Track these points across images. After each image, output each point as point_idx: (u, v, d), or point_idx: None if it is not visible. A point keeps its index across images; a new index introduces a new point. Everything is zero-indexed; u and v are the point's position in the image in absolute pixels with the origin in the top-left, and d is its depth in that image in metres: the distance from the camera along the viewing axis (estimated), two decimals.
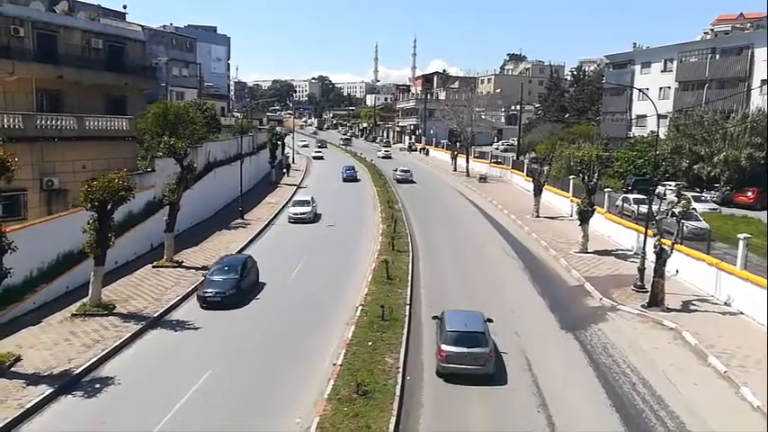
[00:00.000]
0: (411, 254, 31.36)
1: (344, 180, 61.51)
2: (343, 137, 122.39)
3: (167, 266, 28.42)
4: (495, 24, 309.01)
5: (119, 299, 23.50)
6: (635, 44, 74.47)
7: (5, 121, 26.78)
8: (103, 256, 22.07)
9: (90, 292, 22.07)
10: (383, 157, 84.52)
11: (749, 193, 42.27)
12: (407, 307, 23.00)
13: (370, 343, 19.18)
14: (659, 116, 45.89)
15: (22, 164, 20.09)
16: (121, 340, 19.65)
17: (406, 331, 20.47)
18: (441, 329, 18.40)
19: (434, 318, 19.89)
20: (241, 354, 19.24)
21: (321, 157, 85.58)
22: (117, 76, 40.29)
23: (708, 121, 47.78)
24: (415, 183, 60.85)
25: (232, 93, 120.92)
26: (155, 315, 22.14)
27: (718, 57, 57.23)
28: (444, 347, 17.36)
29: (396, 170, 64.76)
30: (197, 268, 28.60)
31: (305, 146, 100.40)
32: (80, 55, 38.54)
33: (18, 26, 34.90)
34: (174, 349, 19.73)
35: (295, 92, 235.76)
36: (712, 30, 79.16)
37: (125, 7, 57.84)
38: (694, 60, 59.57)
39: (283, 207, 46.80)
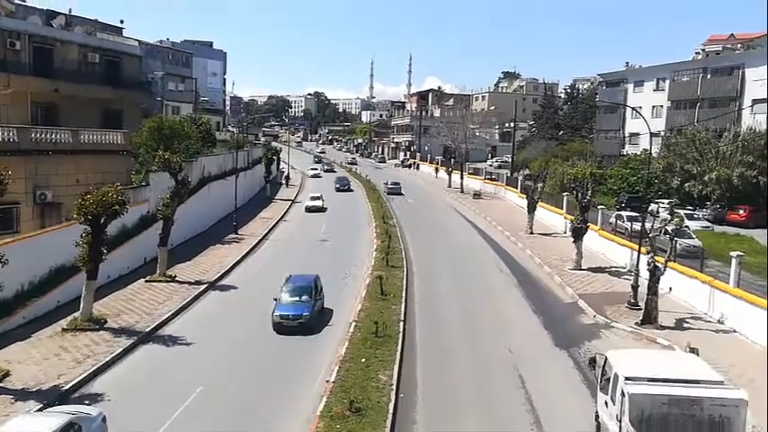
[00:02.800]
0: (405, 269, 31.31)
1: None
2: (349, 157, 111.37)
3: (160, 281, 28.25)
4: (489, 43, 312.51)
5: (110, 313, 23.31)
6: (627, 63, 75.33)
7: (0, 134, 26.72)
8: (96, 270, 21.95)
9: (81, 306, 21.88)
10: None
11: (741, 212, 42.51)
12: (401, 323, 22.90)
13: (363, 360, 19.06)
14: (652, 134, 45.99)
15: (15, 177, 20.00)
16: (112, 355, 19.46)
17: (399, 348, 20.36)
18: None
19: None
20: (233, 370, 19.07)
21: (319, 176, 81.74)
22: (113, 90, 40.41)
23: (699, 140, 48.21)
24: (403, 194, 63.70)
25: (228, 108, 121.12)
26: (146, 330, 21.96)
27: (709, 76, 57.96)
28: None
29: (386, 183, 68.21)
30: (190, 283, 28.45)
31: (316, 175, 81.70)
32: (76, 69, 38.67)
33: (15, 39, 35.04)
34: (165, 365, 19.55)
35: (291, 107, 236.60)
36: (704, 50, 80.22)
37: (122, 22, 58.09)
38: (686, 80, 60.30)
39: (277, 222, 46.82)
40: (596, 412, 14.90)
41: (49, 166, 28.74)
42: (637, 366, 13.49)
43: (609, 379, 13.80)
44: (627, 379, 12.66)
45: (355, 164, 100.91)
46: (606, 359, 14.54)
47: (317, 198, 53.71)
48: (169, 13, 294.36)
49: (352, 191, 66.09)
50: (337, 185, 66.68)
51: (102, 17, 68.35)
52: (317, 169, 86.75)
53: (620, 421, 12.61)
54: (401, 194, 63.45)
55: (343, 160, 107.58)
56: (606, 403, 13.94)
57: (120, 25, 57.10)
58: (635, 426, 12.12)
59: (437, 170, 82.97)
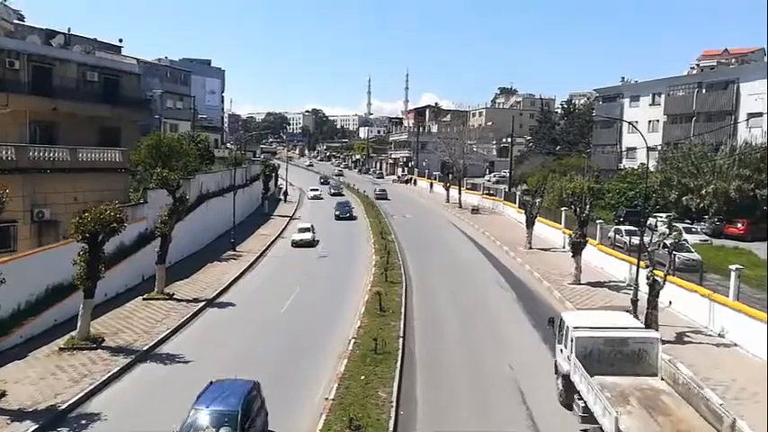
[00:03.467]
0: (404, 285, 31.21)
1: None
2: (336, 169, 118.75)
3: (158, 299, 28.10)
4: (485, 59, 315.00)
5: (108, 332, 23.15)
6: (623, 78, 75.95)
7: None
8: (93, 288, 21.82)
9: (78, 324, 21.73)
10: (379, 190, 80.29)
11: (739, 225, 42.57)
12: (401, 340, 22.77)
13: (362, 377, 18.91)
14: (649, 148, 46.44)
15: (13, 195, 19.96)
16: (109, 374, 19.29)
17: (399, 365, 20.22)
18: None
19: None
20: None
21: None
22: (111, 109, 40.62)
23: (695, 154, 48.43)
24: (390, 199, 73.55)
25: (226, 125, 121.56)
26: (144, 348, 21.79)
27: (704, 91, 58.36)
28: None
29: (375, 189, 79.90)
30: (188, 300, 28.32)
31: (316, 197, 74.53)
32: (75, 87, 38.93)
33: (14, 59, 35.29)
34: (163, 383, 19.36)
35: (289, 124, 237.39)
36: (698, 65, 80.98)
37: (121, 41, 58.58)
38: (682, 94, 60.68)
39: (275, 239, 46.75)
40: (555, 362, 18.71)
41: (47, 184, 28.75)
42: (582, 320, 17.93)
43: (562, 332, 17.92)
44: (574, 328, 16.93)
45: (342, 175, 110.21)
46: (561, 318, 18.63)
47: (306, 230, 44.87)
48: (168, 31, 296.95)
49: (355, 218, 56.88)
50: (337, 212, 57.32)
51: (101, 36, 68.99)
52: (318, 190, 77.65)
53: (569, 359, 16.81)
54: (387, 199, 72.89)
55: (330, 173, 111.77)
56: (561, 350, 18.00)
57: (118, 44, 57.61)
58: (580, 360, 16.12)
59: (431, 185, 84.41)
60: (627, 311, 20.99)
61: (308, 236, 43.90)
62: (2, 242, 26.33)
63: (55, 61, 38.43)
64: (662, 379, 15.98)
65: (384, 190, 78.49)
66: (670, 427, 13.30)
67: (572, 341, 16.62)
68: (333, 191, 79.41)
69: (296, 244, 43.09)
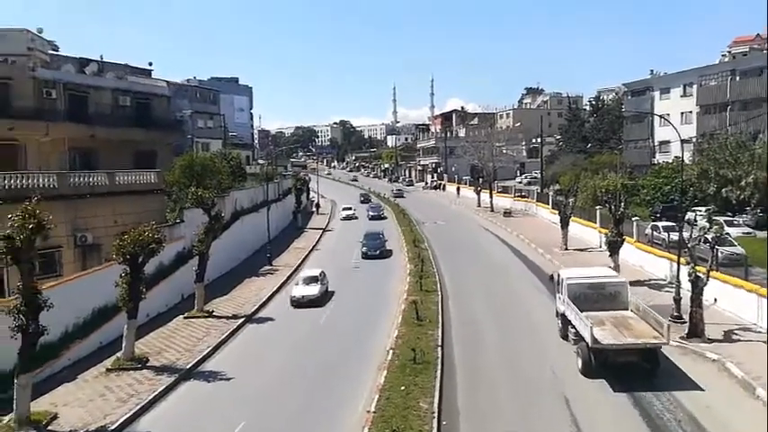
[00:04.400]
0: (440, 293, 31.08)
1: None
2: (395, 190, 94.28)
3: (198, 317, 28.59)
4: (510, 60, 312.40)
5: (151, 351, 23.65)
6: (652, 71, 74.20)
7: (41, 180, 27.71)
8: (136, 309, 22.35)
9: (123, 345, 22.27)
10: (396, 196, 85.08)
11: None
12: (439, 349, 22.66)
13: (402, 387, 18.83)
14: (683, 141, 45.26)
15: (56, 221, 20.59)
16: (155, 393, 19.69)
17: (439, 374, 20.12)
18: None
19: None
20: (274, 403, 19.09)
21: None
22: (145, 132, 41.67)
23: (731, 143, 47.05)
24: (404, 197, 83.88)
25: (256, 141, 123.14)
26: (187, 367, 22.19)
27: (738, 78, 56.81)
28: None
29: (392, 190, 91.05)
30: (227, 317, 28.74)
31: (348, 216, 65.15)
32: (110, 113, 40.11)
33: (51, 89, 36.53)
34: (207, 401, 19.68)
35: (317, 137, 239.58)
36: (730, 52, 78.85)
37: (150, 64, 60.06)
38: (714, 84, 59.20)
39: (310, 251, 47.05)
40: (556, 308, 24.47)
41: (87, 208, 29.61)
42: (573, 273, 24.10)
43: (560, 284, 23.61)
44: (567, 278, 23.06)
45: (356, 180, 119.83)
46: (558, 274, 24.58)
47: (313, 280, 31.91)
48: (195, 51, 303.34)
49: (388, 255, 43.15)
50: (364, 249, 42.84)
51: (132, 60, 70.86)
52: (351, 209, 67.29)
53: (564, 302, 22.67)
54: (403, 197, 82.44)
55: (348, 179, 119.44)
56: (559, 297, 23.84)
57: (148, 67, 59.08)
58: (572, 300, 21.89)
59: (458, 189, 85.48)
60: (610, 268, 28.01)
61: (312, 290, 31.01)
62: (48, 267, 27.06)
63: (89, 89, 39.65)
64: (630, 311, 21.89)
65: (400, 189, 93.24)
66: (628, 333, 19.72)
67: (566, 288, 22.49)
68: (372, 213, 64.60)
69: (296, 303, 30.66)
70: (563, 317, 23.11)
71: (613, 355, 19.22)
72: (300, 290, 31.22)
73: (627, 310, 21.91)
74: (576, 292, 22.11)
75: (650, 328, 20.03)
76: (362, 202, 79.16)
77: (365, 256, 42.28)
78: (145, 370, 21.78)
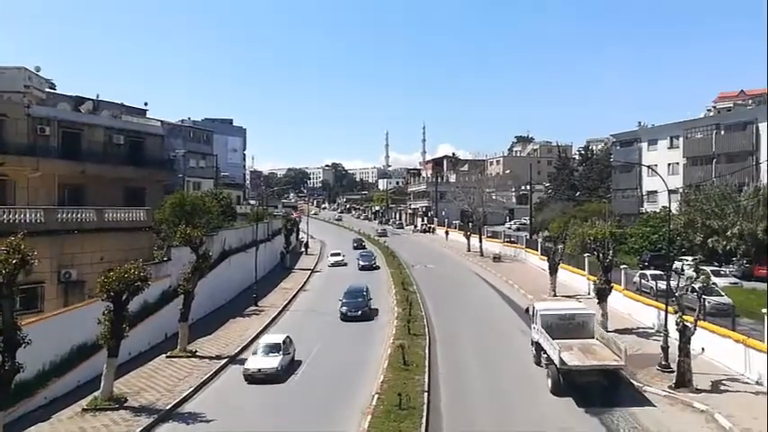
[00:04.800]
0: (428, 337, 30.75)
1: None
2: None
3: (181, 356, 28.05)
4: (500, 109, 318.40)
5: (131, 391, 23.07)
6: (640, 122, 76.03)
7: (28, 216, 27.54)
8: (117, 347, 21.91)
9: (102, 384, 21.71)
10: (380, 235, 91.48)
11: None
12: (425, 394, 22.26)
13: None
14: (670, 191, 46.05)
15: (41, 257, 20.43)
16: None
17: (424, 421, 19.70)
18: None
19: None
20: None
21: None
22: (136, 170, 41.75)
23: (716, 195, 47.80)
24: (388, 236, 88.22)
25: (248, 181, 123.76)
26: (167, 408, 21.61)
27: (723, 132, 58.21)
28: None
29: (377, 230, 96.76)
30: (210, 357, 28.21)
31: (337, 262, 61.24)
32: (102, 150, 40.25)
33: (45, 125, 36.75)
34: None
35: (309, 179, 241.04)
36: (715, 107, 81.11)
37: (146, 104, 60.66)
38: (700, 136, 60.59)
39: (297, 292, 46.65)
40: (531, 337, 27.08)
41: (74, 244, 29.37)
42: (545, 306, 27.09)
43: (534, 315, 26.32)
44: (540, 310, 25.91)
45: (341, 220, 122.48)
46: (533, 306, 27.29)
47: (274, 350, 26.11)
48: (192, 92, 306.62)
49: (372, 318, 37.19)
50: (343, 309, 36.58)
51: (128, 99, 71.56)
52: (340, 255, 62.88)
53: (537, 330, 25.39)
54: (386, 236, 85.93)
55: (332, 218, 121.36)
56: (533, 327, 26.51)
57: (143, 107, 59.69)
58: (544, 329, 24.52)
59: (447, 233, 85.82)
60: (577, 299, 32.62)
61: (271, 363, 25.16)
62: (29, 303, 26.68)
63: (83, 126, 39.88)
64: (596, 339, 24.50)
65: (384, 229, 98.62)
66: (591, 357, 22.37)
67: (539, 318, 25.24)
68: (362, 263, 58.08)
69: (250, 378, 24.79)
70: (537, 345, 25.57)
71: (579, 376, 21.62)
72: (256, 361, 25.21)
73: (593, 338, 24.59)
74: (548, 322, 24.80)
75: (611, 352, 22.78)
76: (356, 247, 72.84)
77: (344, 317, 36.15)
78: (122, 410, 21.18)
